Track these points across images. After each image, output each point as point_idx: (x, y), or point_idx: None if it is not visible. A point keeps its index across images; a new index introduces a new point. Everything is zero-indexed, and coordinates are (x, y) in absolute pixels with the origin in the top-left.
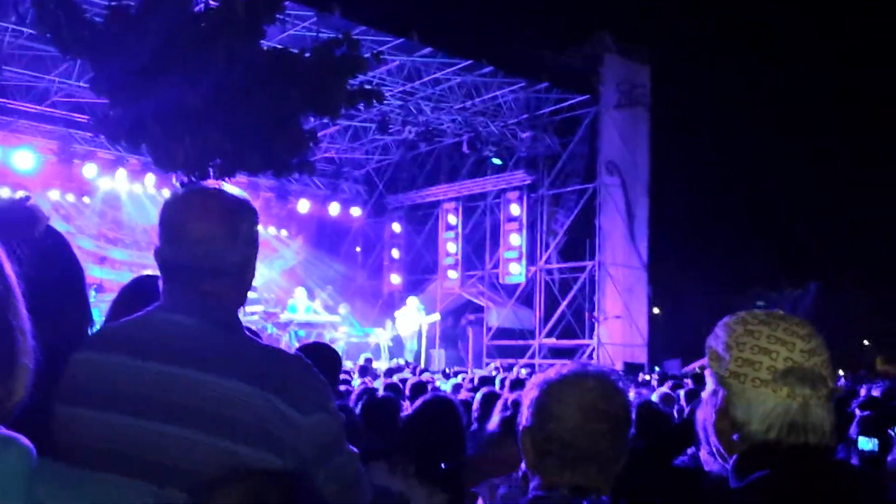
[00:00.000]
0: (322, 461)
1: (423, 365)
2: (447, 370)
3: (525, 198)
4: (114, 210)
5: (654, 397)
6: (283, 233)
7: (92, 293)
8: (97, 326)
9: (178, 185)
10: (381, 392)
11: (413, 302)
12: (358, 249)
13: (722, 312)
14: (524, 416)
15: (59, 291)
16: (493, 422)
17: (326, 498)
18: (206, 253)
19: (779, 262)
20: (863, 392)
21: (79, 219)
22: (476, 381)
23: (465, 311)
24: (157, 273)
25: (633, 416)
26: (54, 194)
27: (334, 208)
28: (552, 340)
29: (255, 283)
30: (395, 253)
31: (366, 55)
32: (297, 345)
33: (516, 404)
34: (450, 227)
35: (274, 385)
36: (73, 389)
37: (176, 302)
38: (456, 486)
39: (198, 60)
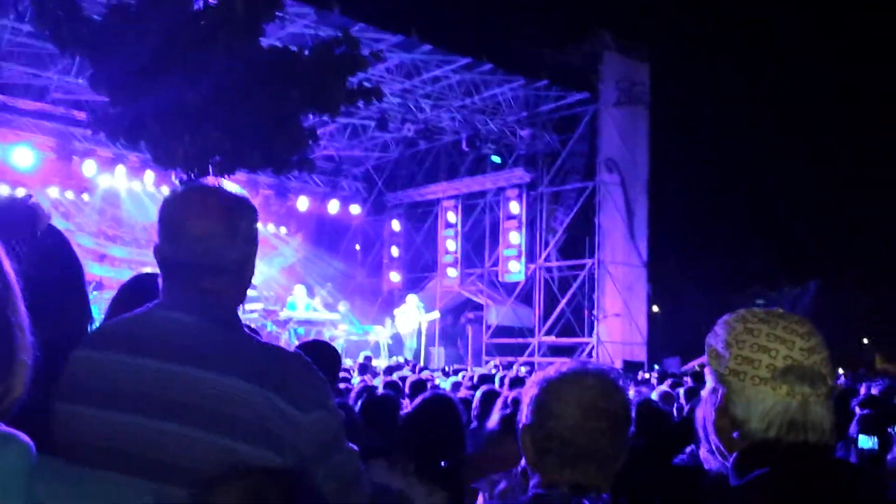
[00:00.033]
0: (322, 459)
1: (422, 363)
2: (447, 368)
3: (524, 196)
4: (113, 207)
5: (654, 396)
6: (283, 230)
7: (92, 291)
8: (97, 324)
9: (177, 182)
10: (380, 390)
11: (412, 300)
12: (357, 247)
13: (721, 311)
14: (524, 414)
15: (59, 289)
16: (493, 420)
17: (326, 496)
18: (205, 250)
19: (778, 261)
20: (862, 390)
21: (78, 216)
22: (476, 380)
23: (465, 309)
24: (157, 271)
25: (633, 414)
26: (53, 191)
27: (334, 206)
28: (551, 338)
29: (254, 280)
30: (395, 251)
31: (365, 53)
32: (296, 342)
33: (516, 402)
34: (449, 225)
35: (273, 383)
36: (72, 387)
37: (175, 299)
38: (455, 484)
39: (197, 58)
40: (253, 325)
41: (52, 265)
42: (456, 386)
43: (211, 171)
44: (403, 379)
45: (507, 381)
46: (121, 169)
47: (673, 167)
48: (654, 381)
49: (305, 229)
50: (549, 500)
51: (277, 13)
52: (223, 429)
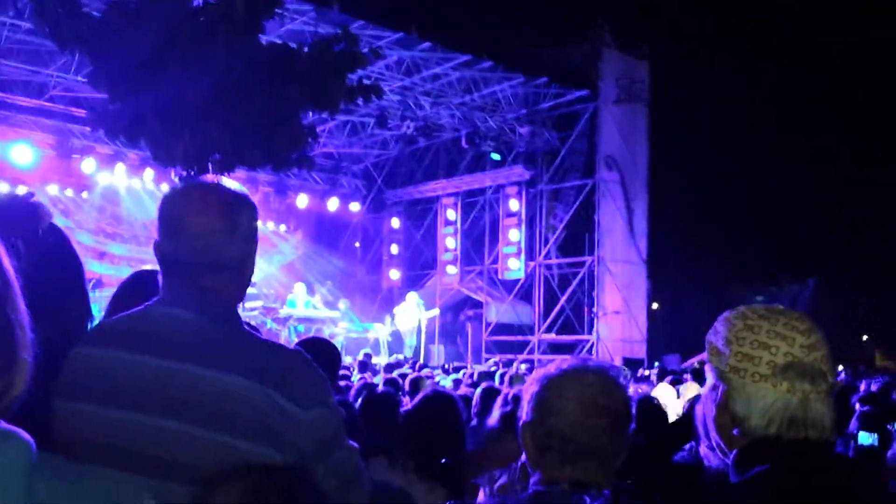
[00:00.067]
0: (322, 456)
1: (422, 360)
2: (446, 365)
3: (524, 193)
4: (112, 205)
5: (655, 393)
6: (282, 228)
7: (92, 289)
8: (96, 322)
9: (176, 180)
10: (380, 388)
11: (412, 297)
12: (357, 245)
13: (721, 308)
14: (524, 412)
15: (59, 287)
16: (494, 417)
17: (326, 493)
18: (205, 247)
19: (778, 259)
20: (862, 387)
21: (77, 214)
22: (475, 377)
23: (464, 307)
24: (157, 268)
25: (634, 411)
26: (53, 189)
27: (333, 203)
28: (551, 336)
29: (254, 278)
30: (394, 248)
31: (364, 50)
32: (296, 340)
33: (517, 399)
34: (449, 223)
35: (273, 380)
36: (72, 384)
37: (175, 296)
38: (455, 481)
39: (197, 55)
40: (253, 323)
41: (53, 263)
42: (456, 383)
43: (211, 168)
44: (403, 376)
45: (507, 378)
46: (120, 166)
47: (672, 165)
48: (653, 378)
49: (305, 227)
50: (550, 497)
51: (277, 10)
52: (223, 426)
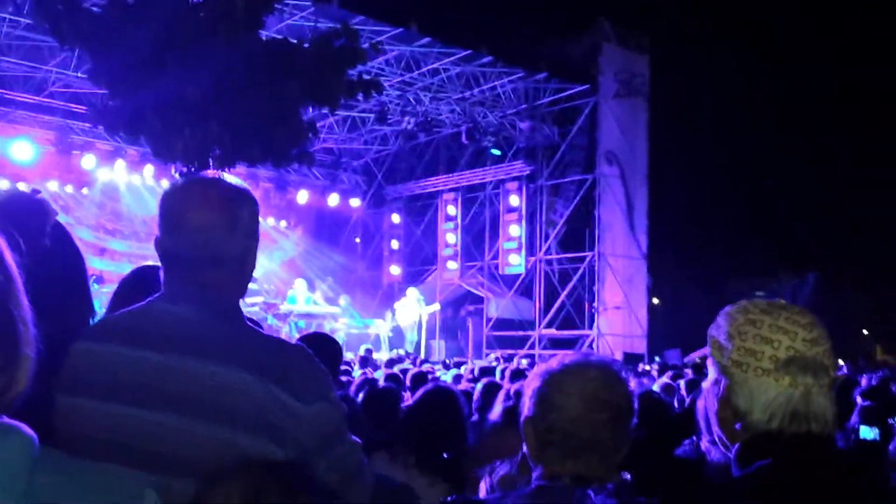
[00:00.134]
0: (323, 451)
1: (423, 356)
2: (447, 361)
3: (524, 188)
4: (112, 201)
5: (656, 387)
6: (283, 224)
7: (93, 285)
8: (98, 317)
9: (177, 175)
10: (381, 383)
11: (413, 293)
12: (357, 240)
13: (721, 303)
14: (526, 406)
15: (61, 284)
16: (496, 412)
17: (328, 489)
18: (205, 242)
19: (778, 254)
20: (864, 381)
21: (78, 210)
22: (476, 372)
23: (465, 302)
24: (158, 264)
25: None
26: (53, 185)
27: (333, 199)
28: (552, 331)
29: (254, 274)
30: (395, 244)
31: (364, 45)
32: (297, 336)
33: (518, 394)
34: (449, 218)
35: (274, 374)
36: (73, 380)
37: (176, 292)
38: (456, 475)
39: (197, 52)
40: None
41: (56, 259)
42: (457, 379)
43: (211, 164)
44: (404, 372)
45: (507, 373)
46: (120, 163)
47: (673, 159)
48: (654, 372)
49: (305, 223)
50: (552, 492)
51: (276, 5)
52: (224, 421)
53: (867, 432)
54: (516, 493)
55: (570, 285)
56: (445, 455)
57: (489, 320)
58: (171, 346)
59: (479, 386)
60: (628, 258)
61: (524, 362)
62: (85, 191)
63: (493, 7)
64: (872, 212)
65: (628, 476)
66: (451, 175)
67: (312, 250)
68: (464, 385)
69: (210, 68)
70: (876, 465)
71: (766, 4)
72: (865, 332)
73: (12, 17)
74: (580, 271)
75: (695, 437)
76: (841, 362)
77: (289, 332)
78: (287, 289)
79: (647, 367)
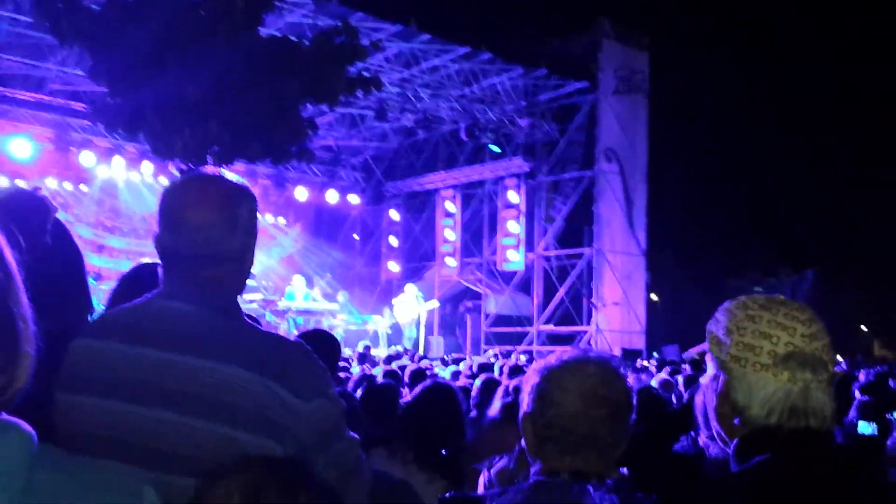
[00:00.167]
0: (322, 447)
1: (421, 352)
2: (446, 357)
3: (523, 185)
4: (111, 198)
5: (654, 383)
6: (281, 220)
7: (91, 282)
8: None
9: (175, 173)
10: (380, 379)
11: (411, 289)
12: (356, 237)
13: (719, 299)
14: (525, 402)
15: (61, 281)
16: (494, 408)
17: (327, 485)
18: (205, 239)
19: (777, 251)
20: (862, 377)
21: (76, 207)
22: (475, 368)
23: (464, 299)
24: (157, 261)
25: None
26: (51, 182)
27: (332, 196)
28: (550, 327)
29: (253, 270)
30: (393, 240)
31: (364, 42)
32: (295, 332)
33: (517, 390)
34: (448, 215)
35: (273, 371)
36: (72, 377)
37: (175, 289)
38: (455, 471)
39: (197, 50)
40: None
41: (55, 257)
42: (455, 375)
43: (210, 161)
44: (403, 368)
45: (506, 369)
46: (119, 160)
47: (672, 156)
48: (652, 368)
49: (304, 219)
50: (550, 487)
51: (276, 3)
52: (223, 417)
53: (865, 427)
54: (514, 488)
55: (569, 281)
56: (444, 451)
57: (487, 316)
58: (171, 342)
59: (478, 382)
60: (627, 255)
61: (523, 358)
62: (83, 188)
63: (493, 5)
64: (871, 211)
65: (626, 472)
66: (450, 172)
67: (311, 247)
68: (462, 381)
69: (210, 67)
70: (874, 461)
71: (766, 4)
72: (864, 328)
73: (12, 16)
74: (579, 267)
75: (693, 433)
76: (839, 358)
77: (287, 329)
78: (285, 285)
79: (646, 363)
